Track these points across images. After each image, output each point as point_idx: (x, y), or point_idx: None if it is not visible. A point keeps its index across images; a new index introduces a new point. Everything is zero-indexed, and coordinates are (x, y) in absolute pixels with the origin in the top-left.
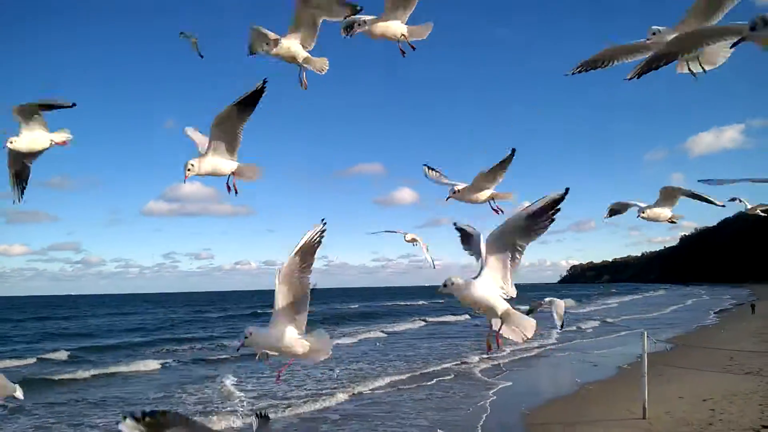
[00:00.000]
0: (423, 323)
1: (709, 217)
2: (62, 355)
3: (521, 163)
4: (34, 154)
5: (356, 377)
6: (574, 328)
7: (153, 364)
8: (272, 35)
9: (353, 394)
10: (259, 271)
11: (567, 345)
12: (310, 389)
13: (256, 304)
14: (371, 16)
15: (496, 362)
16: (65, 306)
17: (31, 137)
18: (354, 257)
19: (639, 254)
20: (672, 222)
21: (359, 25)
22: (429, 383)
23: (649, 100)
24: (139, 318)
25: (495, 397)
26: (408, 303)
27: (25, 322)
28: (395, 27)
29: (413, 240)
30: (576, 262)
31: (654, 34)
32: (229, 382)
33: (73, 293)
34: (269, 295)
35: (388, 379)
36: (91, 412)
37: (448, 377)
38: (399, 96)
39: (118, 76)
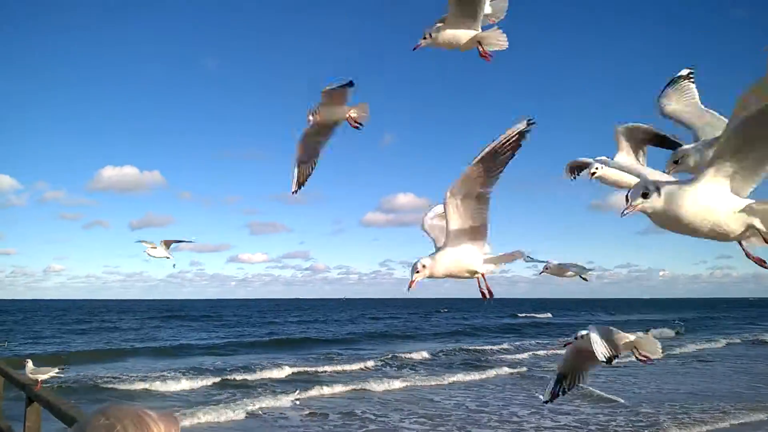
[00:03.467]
0: None
1: None
2: None
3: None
4: (327, 132)
5: None
6: None
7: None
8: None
9: None
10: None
11: None
12: None
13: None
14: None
15: None
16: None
17: (330, 109)
18: None
19: None
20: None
21: (424, 38)
22: None
23: None
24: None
25: None
26: None
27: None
28: (465, 34)
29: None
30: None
31: (677, 162)
32: None
33: (301, 297)
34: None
35: None
36: None
37: None
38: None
39: None
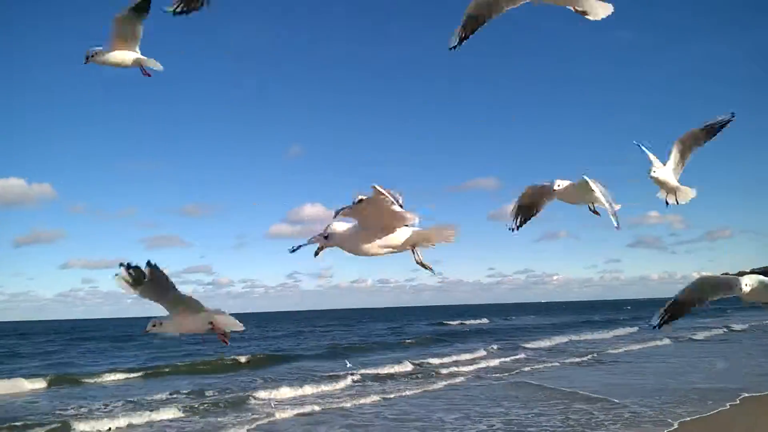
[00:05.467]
0: None
1: None
2: None
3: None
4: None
5: None
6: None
7: None
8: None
9: None
10: (374, 289)
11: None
12: None
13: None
14: None
15: None
16: None
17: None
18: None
19: None
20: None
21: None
22: None
23: None
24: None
25: None
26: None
27: None
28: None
29: None
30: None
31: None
32: None
33: None
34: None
35: None
36: None
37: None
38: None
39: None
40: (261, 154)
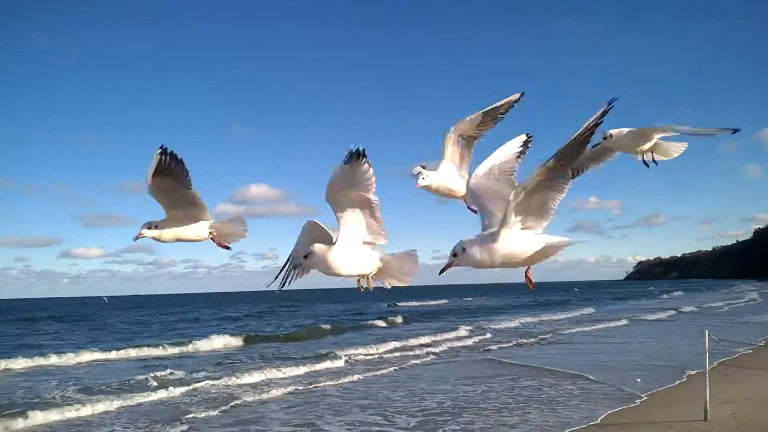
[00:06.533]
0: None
1: None
2: None
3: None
4: None
5: None
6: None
7: None
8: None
9: None
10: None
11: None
12: None
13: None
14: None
15: None
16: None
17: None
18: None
19: (710, 249)
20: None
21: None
22: None
23: (719, 89)
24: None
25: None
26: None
27: None
28: None
29: None
30: (643, 258)
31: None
32: None
33: (142, 293)
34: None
35: None
36: None
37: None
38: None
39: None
40: (204, 130)
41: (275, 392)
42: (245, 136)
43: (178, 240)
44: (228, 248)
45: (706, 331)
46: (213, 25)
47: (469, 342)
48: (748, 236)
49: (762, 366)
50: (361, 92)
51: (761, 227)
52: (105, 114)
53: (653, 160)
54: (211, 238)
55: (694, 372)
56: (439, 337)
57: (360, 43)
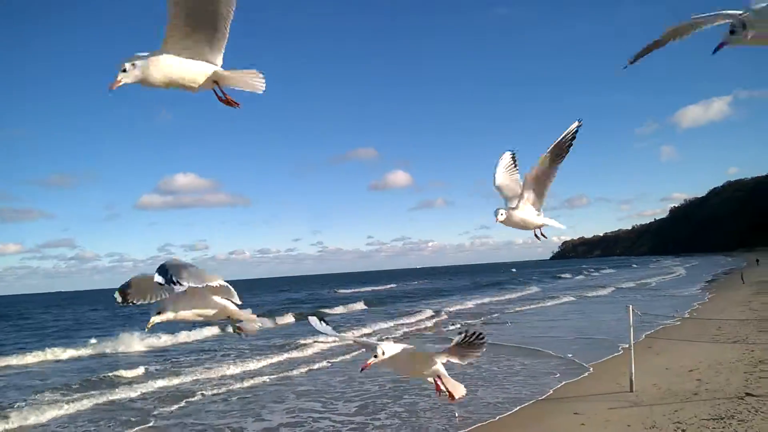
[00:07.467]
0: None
1: (698, 187)
2: None
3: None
4: None
5: None
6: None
7: None
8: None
9: None
10: (253, 260)
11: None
12: None
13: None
14: None
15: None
16: None
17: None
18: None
19: (629, 228)
20: None
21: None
22: None
23: (638, 73)
24: None
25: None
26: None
27: None
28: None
29: None
30: (567, 238)
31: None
32: None
33: (64, 290)
34: (265, 282)
35: None
36: None
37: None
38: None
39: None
40: (129, 119)
41: (218, 388)
42: (172, 122)
43: (170, 82)
44: (237, 105)
45: (630, 306)
46: (134, 5)
47: (423, 325)
48: (664, 215)
49: (683, 337)
50: (290, 76)
51: (676, 206)
52: (24, 108)
53: None
54: (213, 90)
55: (627, 345)
56: (390, 324)
57: (285, 28)
